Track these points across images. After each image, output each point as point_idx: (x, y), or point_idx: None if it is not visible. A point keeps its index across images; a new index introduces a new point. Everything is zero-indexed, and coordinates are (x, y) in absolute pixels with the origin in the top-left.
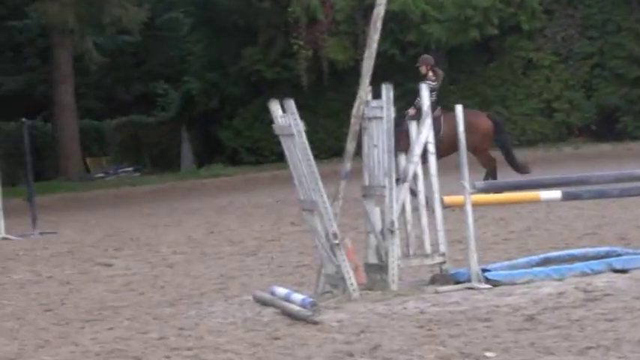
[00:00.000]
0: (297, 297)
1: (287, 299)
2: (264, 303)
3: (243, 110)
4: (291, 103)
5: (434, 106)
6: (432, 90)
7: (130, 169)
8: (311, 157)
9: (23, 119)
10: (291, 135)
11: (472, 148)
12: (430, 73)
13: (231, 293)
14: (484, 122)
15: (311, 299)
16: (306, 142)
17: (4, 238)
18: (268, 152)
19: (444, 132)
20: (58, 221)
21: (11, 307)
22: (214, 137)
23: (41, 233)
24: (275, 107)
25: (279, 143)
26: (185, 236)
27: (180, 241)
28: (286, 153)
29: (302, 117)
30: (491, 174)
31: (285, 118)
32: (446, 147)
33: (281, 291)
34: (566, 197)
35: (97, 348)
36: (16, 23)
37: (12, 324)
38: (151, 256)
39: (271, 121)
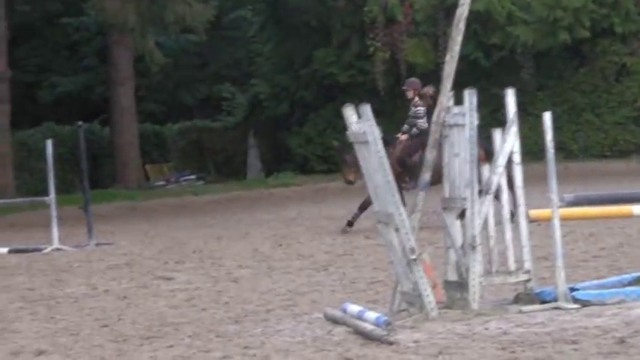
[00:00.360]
0: (371, 315)
1: (360, 317)
2: (335, 321)
3: (315, 116)
4: (367, 109)
5: (425, 133)
6: (420, 117)
7: (192, 177)
8: (387, 166)
9: (79, 123)
10: (367, 142)
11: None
12: (416, 98)
13: (300, 310)
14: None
15: (386, 318)
16: (383, 150)
17: (58, 249)
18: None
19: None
20: (115, 231)
21: (65, 322)
22: (283, 144)
23: (97, 244)
24: (349, 113)
25: None
26: (251, 249)
27: (245, 254)
28: (361, 162)
29: (378, 123)
30: None
31: (361, 124)
32: (435, 178)
33: (353, 308)
34: None
35: None
36: (72, 20)
37: (66, 340)
38: (214, 269)
39: (345, 128)
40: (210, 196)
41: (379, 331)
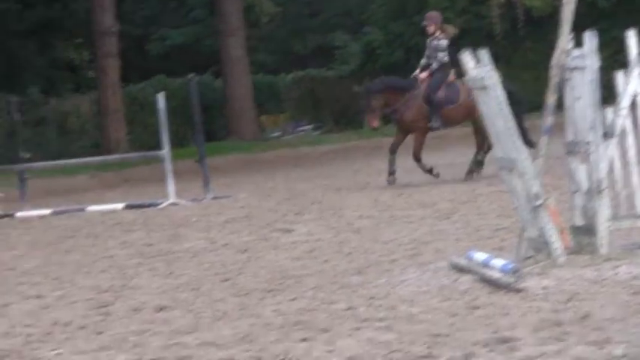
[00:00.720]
0: (498, 263)
1: (486, 265)
2: (460, 269)
3: None
4: (485, 54)
5: (447, 68)
6: (442, 49)
7: (308, 127)
8: (508, 111)
9: (190, 75)
10: (485, 88)
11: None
12: (438, 32)
13: (424, 259)
14: None
15: (513, 265)
16: (502, 95)
17: (174, 204)
18: None
19: (462, 100)
20: (231, 184)
21: (185, 278)
22: None
23: (214, 197)
24: (467, 58)
25: None
26: (371, 199)
27: (366, 204)
28: (481, 107)
29: (496, 68)
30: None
31: (479, 69)
32: (460, 116)
33: (479, 256)
34: None
35: (280, 320)
36: None
37: (187, 295)
38: (334, 220)
39: (463, 74)
40: (327, 146)
41: (507, 279)
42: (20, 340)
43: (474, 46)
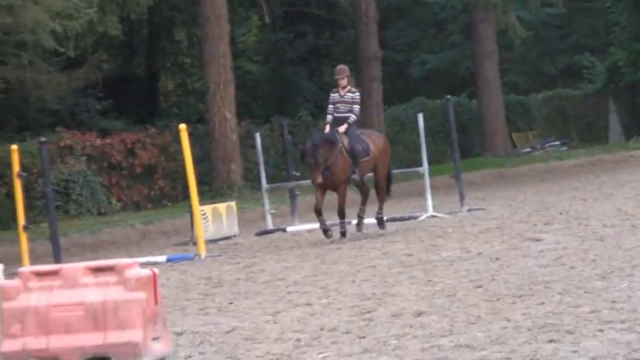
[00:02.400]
0: None
1: None
2: None
3: None
4: None
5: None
6: (358, 102)
7: (556, 143)
8: None
9: (448, 96)
10: None
11: (384, 169)
12: (349, 85)
13: None
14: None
15: None
16: None
17: (433, 216)
18: None
19: (372, 152)
20: (485, 198)
21: (442, 285)
22: None
23: (469, 210)
24: None
25: None
26: (615, 209)
27: (609, 213)
28: None
29: None
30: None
31: None
32: (370, 168)
33: None
34: None
35: (529, 323)
36: (438, 0)
37: (443, 301)
38: (580, 229)
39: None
40: (574, 161)
41: None
42: (290, 345)
43: None
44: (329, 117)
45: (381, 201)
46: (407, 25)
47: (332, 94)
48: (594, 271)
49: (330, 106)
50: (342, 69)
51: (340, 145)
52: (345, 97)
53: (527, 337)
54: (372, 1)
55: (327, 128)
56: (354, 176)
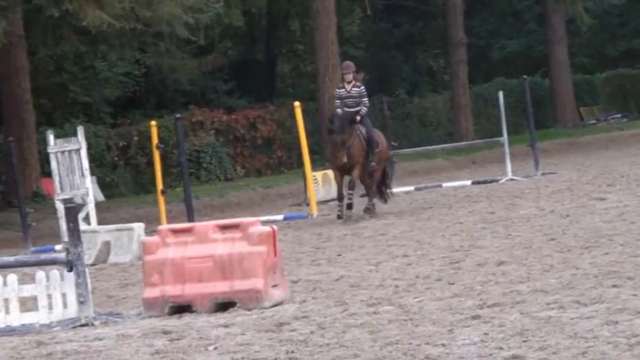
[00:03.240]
0: None
1: None
2: None
3: None
4: None
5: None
6: (365, 95)
7: (618, 115)
8: None
9: (524, 76)
10: None
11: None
12: (354, 80)
13: None
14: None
15: None
16: None
17: (511, 179)
18: None
19: (381, 145)
20: (556, 163)
21: (519, 238)
22: None
23: (543, 174)
24: None
25: None
26: None
27: None
28: None
29: None
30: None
31: None
32: (381, 160)
33: None
34: None
35: (595, 270)
36: None
37: (520, 252)
38: (639, 190)
39: None
40: (633, 131)
41: None
42: (390, 291)
43: None
44: (339, 111)
45: (372, 195)
46: (488, 16)
47: (338, 90)
48: None
49: (338, 101)
50: (349, 64)
51: (358, 130)
52: (352, 91)
53: (593, 283)
54: None
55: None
56: (373, 163)
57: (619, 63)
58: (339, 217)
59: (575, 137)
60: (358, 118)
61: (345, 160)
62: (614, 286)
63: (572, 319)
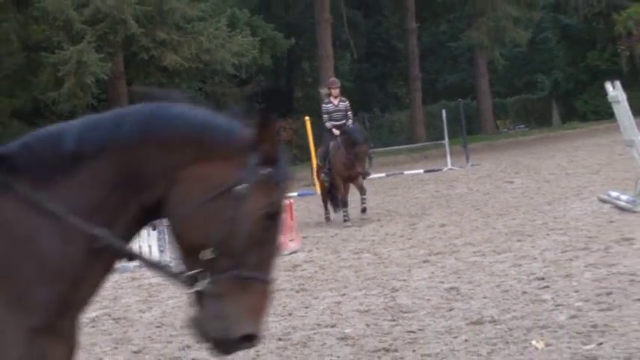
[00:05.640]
0: (624, 197)
1: (617, 199)
2: (604, 201)
3: None
4: (618, 83)
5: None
6: (349, 109)
7: (522, 126)
8: (629, 113)
9: (460, 100)
10: (619, 102)
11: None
12: (339, 96)
13: (584, 197)
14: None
15: (632, 198)
16: (627, 105)
17: (450, 169)
18: None
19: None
20: (480, 158)
21: (455, 208)
22: None
23: (472, 165)
24: (608, 85)
25: None
26: (555, 164)
27: (552, 167)
28: (616, 113)
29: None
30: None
31: (615, 91)
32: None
33: (614, 193)
34: None
35: (506, 230)
36: (456, 45)
37: (456, 218)
38: (535, 176)
39: None
40: (533, 137)
41: (629, 206)
42: (368, 243)
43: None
44: (329, 124)
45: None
46: (435, 58)
47: (325, 105)
48: (544, 199)
49: (326, 115)
50: (335, 81)
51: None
52: (340, 105)
53: (504, 239)
54: (415, 46)
55: (336, 131)
56: (369, 170)
57: (522, 91)
58: (346, 220)
59: (493, 141)
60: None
61: (360, 169)
62: (519, 240)
63: (490, 262)
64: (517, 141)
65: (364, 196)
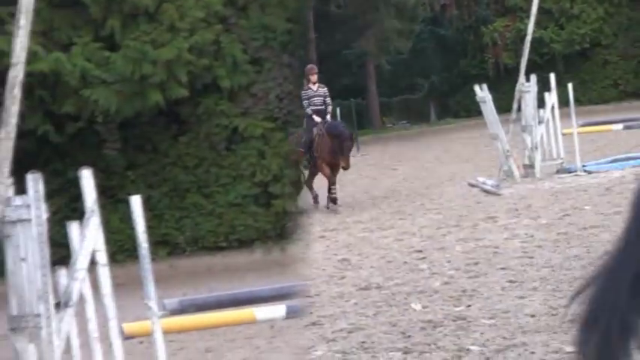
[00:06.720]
0: (489, 182)
1: (484, 184)
2: (473, 186)
3: None
4: (484, 86)
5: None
6: (328, 95)
7: (404, 122)
8: (494, 113)
9: (352, 99)
10: (485, 102)
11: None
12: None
13: (456, 182)
14: None
15: (496, 183)
16: (492, 105)
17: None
18: None
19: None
20: (369, 149)
21: (348, 192)
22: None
23: (362, 155)
24: (477, 87)
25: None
26: (432, 155)
27: (430, 157)
28: (484, 112)
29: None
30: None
31: (480, 95)
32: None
33: (481, 179)
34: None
35: (390, 210)
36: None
37: (350, 200)
38: (415, 164)
39: None
40: (413, 131)
41: (494, 189)
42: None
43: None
44: (309, 110)
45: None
46: (333, 63)
47: (305, 91)
48: (424, 183)
49: (306, 101)
50: (313, 67)
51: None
52: (319, 91)
53: (389, 217)
54: (314, 53)
55: (317, 118)
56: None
57: (405, 92)
58: (334, 202)
59: (380, 135)
60: (329, 117)
61: (343, 164)
62: (401, 219)
63: (376, 237)
64: (400, 135)
65: (334, 187)
